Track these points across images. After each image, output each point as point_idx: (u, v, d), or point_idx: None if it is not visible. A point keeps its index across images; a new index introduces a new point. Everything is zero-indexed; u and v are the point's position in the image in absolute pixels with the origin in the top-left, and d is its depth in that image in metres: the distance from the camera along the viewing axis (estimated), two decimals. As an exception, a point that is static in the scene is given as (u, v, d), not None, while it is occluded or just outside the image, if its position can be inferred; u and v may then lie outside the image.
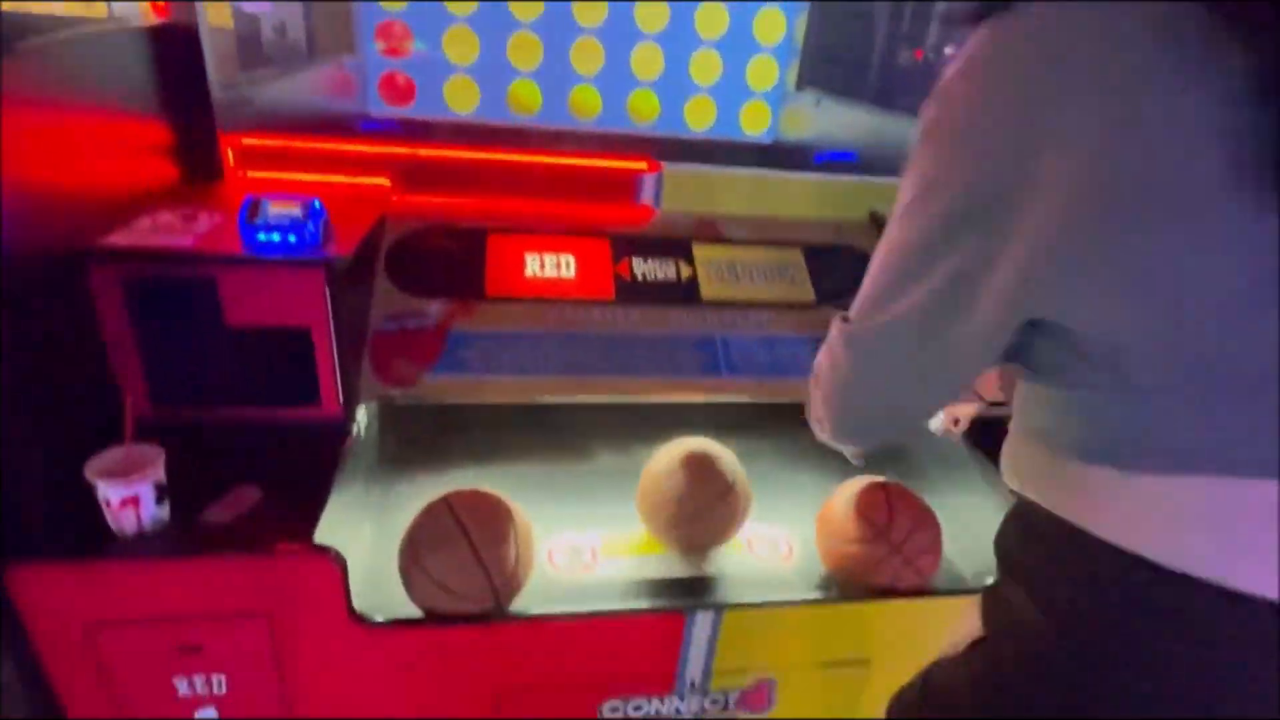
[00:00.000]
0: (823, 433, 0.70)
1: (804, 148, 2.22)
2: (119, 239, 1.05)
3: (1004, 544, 0.67)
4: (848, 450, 0.77)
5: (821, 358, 0.67)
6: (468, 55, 2.28)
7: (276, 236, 1.06)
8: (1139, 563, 0.52)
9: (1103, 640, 0.55)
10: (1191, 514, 0.50)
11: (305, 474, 1.07)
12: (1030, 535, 0.62)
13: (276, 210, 1.07)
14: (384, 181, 1.39)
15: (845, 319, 0.63)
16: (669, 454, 1.21)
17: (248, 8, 1.72)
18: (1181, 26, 0.43)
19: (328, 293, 1.06)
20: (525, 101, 2.38)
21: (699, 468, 1.17)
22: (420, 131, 2.00)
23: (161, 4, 1.20)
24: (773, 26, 2.31)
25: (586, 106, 2.42)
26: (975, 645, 0.67)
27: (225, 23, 1.40)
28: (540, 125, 2.39)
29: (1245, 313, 0.46)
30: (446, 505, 1.03)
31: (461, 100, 2.36)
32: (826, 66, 2.15)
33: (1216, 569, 0.49)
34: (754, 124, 2.49)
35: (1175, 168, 0.43)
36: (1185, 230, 0.44)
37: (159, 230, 1.09)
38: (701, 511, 1.15)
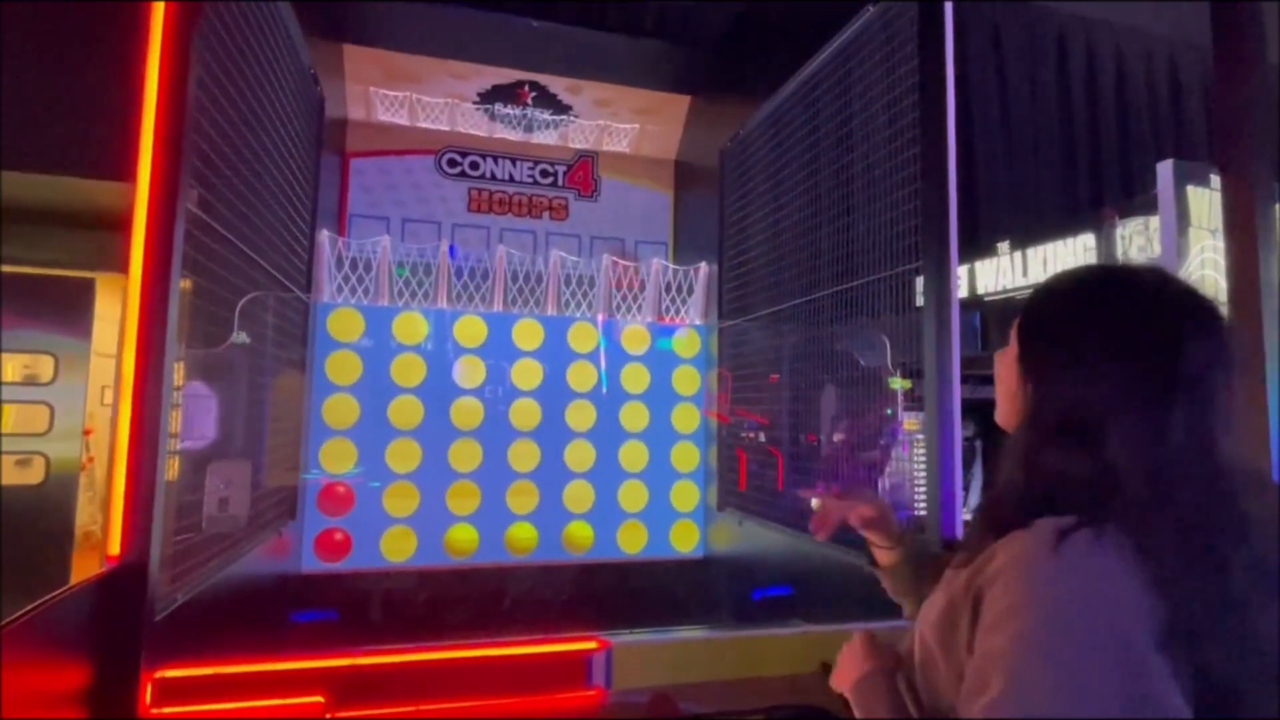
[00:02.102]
0: None
1: (734, 561, 2.32)
2: None
3: None
4: None
5: None
6: (407, 507, 2.38)
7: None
8: None
9: None
10: None
11: None
12: None
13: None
14: (318, 699, 1.30)
15: None
16: None
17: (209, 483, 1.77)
18: None
19: None
20: (462, 546, 2.43)
21: None
22: (355, 632, 1.97)
23: (114, 556, 1.22)
24: (687, 456, 2.59)
25: (522, 543, 2.49)
26: None
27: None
28: (477, 564, 2.42)
29: None
30: None
31: (397, 550, 2.39)
32: (741, 491, 2.37)
33: None
34: (684, 542, 2.62)
35: None
36: None
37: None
38: None
